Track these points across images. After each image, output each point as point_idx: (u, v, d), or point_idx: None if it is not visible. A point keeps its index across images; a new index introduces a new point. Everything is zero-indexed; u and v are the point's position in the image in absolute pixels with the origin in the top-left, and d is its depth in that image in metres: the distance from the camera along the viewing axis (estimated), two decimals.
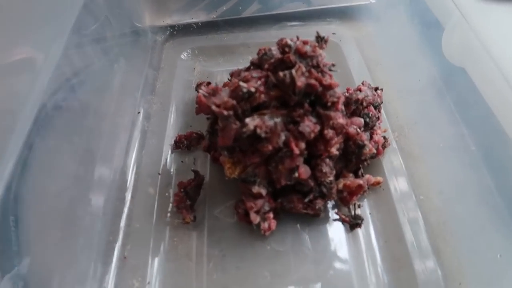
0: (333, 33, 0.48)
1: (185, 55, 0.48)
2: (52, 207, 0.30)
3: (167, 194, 0.35)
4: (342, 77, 0.44)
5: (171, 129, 0.40)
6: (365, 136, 0.32)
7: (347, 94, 0.34)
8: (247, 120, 0.28)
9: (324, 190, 0.31)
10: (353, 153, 0.32)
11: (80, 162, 0.34)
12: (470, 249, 0.29)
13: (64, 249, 0.30)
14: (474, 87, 0.36)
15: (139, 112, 0.41)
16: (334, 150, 0.31)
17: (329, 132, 0.30)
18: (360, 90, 0.34)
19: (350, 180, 0.32)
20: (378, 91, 0.36)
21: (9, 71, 0.24)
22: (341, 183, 0.31)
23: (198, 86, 0.42)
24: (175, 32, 0.50)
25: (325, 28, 0.49)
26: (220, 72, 0.46)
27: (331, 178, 0.31)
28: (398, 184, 0.34)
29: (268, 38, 0.48)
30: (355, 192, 0.31)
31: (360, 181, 0.31)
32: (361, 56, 0.45)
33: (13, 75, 0.25)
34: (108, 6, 0.38)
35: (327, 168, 0.31)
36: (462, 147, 0.35)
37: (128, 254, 0.32)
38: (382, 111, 0.37)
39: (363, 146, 0.31)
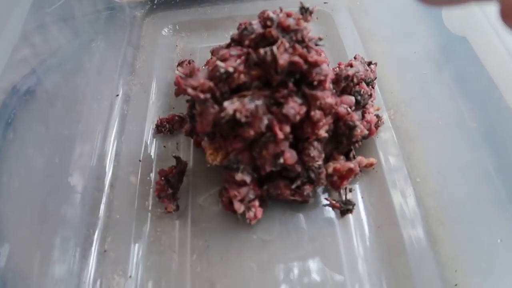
0: (324, 2, 0.45)
1: (166, 31, 0.45)
2: (28, 198, 0.29)
3: (148, 182, 0.34)
4: (334, 50, 0.41)
5: (152, 112, 0.38)
6: (356, 116, 0.29)
7: (337, 70, 0.31)
8: (226, 103, 0.25)
9: (313, 175, 0.29)
10: (343, 134, 0.29)
11: (55, 150, 0.32)
12: (468, 234, 0.28)
13: (41, 243, 0.28)
14: (476, 57, 0.34)
15: (117, 95, 0.39)
16: (323, 132, 0.28)
17: (317, 114, 0.27)
18: (351, 65, 0.31)
19: (340, 163, 0.29)
20: (372, 66, 0.33)
21: None
22: (331, 167, 0.29)
23: (179, 65, 0.39)
24: (155, 6, 0.46)
25: None
26: (204, 49, 0.43)
27: (320, 162, 0.29)
28: (392, 166, 0.32)
29: (254, 10, 0.44)
30: (346, 176, 0.29)
31: (351, 165, 0.29)
32: (354, 27, 0.42)
33: None
34: None
35: (315, 152, 0.29)
36: (463, 124, 0.32)
37: (108, 247, 0.30)
38: (376, 87, 0.35)
39: (354, 127, 0.29)
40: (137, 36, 0.44)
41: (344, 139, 0.30)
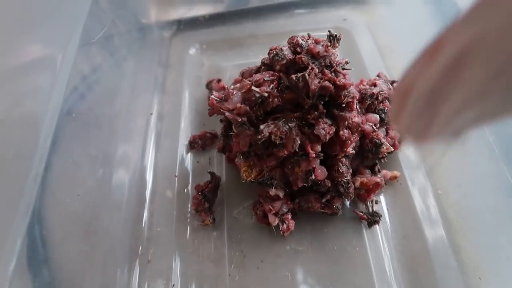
0: (343, 19, 0.47)
1: (193, 50, 0.47)
2: (74, 213, 0.31)
3: (184, 196, 0.36)
4: (355, 67, 0.42)
5: (184, 129, 0.40)
6: (381, 133, 0.31)
7: (361, 87, 0.33)
8: (262, 127, 0.28)
9: (341, 189, 0.31)
10: (369, 151, 0.31)
11: (97, 168, 0.34)
12: (489, 244, 0.29)
13: (89, 256, 0.31)
14: None
15: (151, 113, 0.41)
16: (350, 150, 0.30)
17: (345, 133, 0.29)
18: (375, 84, 0.33)
19: (367, 177, 0.31)
20: (395, 84, 0.35)
21: (25, 94, 0.25)
22: (358, 181, 0.31)
23: (208, 84, 0.41)
24: (181, 27, 0.49)
25: (335, 14, 0.47)
26: (229, 67, 0.45)
27: (348, 177, 0.31)
28: (415, 178, 0.34)
29: (276, 28, 0.47)
30: (373, 189, 0.31)
31: (377, 179, 0.31)
32: (373, 43, 0.44)
33: (28, 98, 0.25)
34: (113, 8, 0.37)
35: (344, 168, 0.31)
36: (482, 138, 0.34)
37: (152, 258, 0.33)
38: None
39: (381, 144, 0.31)
40: (166, 55, 0.46)
41: (370, 155, 0.32)
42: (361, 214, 0.32)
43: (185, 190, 0.36)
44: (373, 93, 0.33)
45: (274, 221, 0.31)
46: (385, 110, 0.33)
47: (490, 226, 0.30)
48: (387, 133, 0.33)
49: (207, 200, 0.34)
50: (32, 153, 0.24)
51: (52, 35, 0.27)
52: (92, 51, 0.35)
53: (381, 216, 0.32)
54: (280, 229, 0.31)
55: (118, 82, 0.40)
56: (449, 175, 0.33)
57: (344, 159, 0.31)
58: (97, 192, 0.33)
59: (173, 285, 0.31)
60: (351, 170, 0.31)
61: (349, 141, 0.30)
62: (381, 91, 0.33)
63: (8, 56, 0.25)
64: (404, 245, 0.31)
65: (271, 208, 0.31)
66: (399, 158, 0.35)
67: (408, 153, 0.35)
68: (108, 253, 0.32)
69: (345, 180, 0.31)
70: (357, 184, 0.32)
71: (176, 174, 0.37)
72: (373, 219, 0.32)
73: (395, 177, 0.34)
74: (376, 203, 0.33)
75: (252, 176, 0.31)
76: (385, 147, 0.31)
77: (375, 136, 0.31)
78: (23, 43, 0.26)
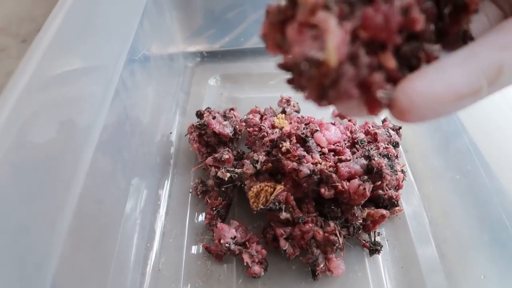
0: None
1: (213, 81, 0.51)
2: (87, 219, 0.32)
3: (197, 211, 0.38)
4: None
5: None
6: (395, 193, 0.35)
7: (365, 128, 0.38)
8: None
9: (351, 230, 0.34)
10: (383, 205, 0.35)
11: (119, 180, 0.36)
12: (479, 273, 0.32)
13: (100, 264, 0.31)
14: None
15: (171, 132, 0.44)
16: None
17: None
18: (376, 138, 0.38)
19: (373, 209, 0.34)
20: (400, 131, 0.40)
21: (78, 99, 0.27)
22: (365, 212, 0.34)
23: (198, 112, 0.43)
24: (205, 58, 0.53)
25: None
26: (246, 99, 0.49)
27: (360, 220, 0.34)
28: (413, 214, 0.37)
29: None
30: (378, 221, 0.34)
31: (383, 211, 0.34)
32: None
33: (81, 103, 0.27)
34: (153, 32, 0.41)
35: (358, 212, 0.33)
36: (475, 179, 0.38)
37: (162, 267, 0.34)
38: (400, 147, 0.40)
39: (397, 205, 0.35)
40: (188, 83, 0.50)
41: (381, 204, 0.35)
42: (364, 242, 0.35)
43: (198, 206, 0.38)
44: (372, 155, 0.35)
45: (284, 245, 0.33)
46: (389, 155, 0.35)
47: (472, 256, 0.33)
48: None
49: (220, 216, 0.36)
50: (77, 158, 0.25)
51: (106, 48, 0.30)
52: (135, 67, 0.38)
53: (382, 246, 0.35)
54: (287, 252, 0.33)
55: (146, 101, 0.42)
56: (446, 211, 0.37)
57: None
58: (117, 202, 0.34)
59: None
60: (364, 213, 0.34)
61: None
62: (383, 148, 0.36)
63: (66, 63, 0.28)
64: (402, 274, 0.33)
65: (283, 232, 0.33)
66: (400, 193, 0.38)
67: (408, 190, 0.38)
68: (122, 259, 0.33)
69: (358, 224, 0.33)
70: (364, 215, 0.34)
71: (190, 191, 0.39)
72: (375, 248, 0.34)
73: (396, 212, 0.37)
74: (379, 234, 0.36)
75: (260, 204, 0.33)
76: (397, 208, 0.34)
77: (395, 196, 0.35)
78: (78, 53, 0.29)
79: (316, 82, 0.16)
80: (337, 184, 0.32)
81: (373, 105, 0.16)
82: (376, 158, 0.33)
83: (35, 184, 0.21)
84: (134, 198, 0.36)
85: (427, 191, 0.39)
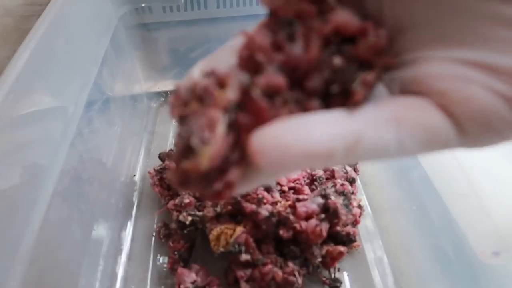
0: None
1: None
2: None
3: (161, 254, 0.38)
4: None
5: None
6: (352, 229, 0.36)
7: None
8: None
9: (311, 268, 0.34)
10: (341, 241, 0.36)
11: (79, 226, 0.35)
12: None
13: None
14: None
15: (134, 175, 0.44)
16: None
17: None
18: (333, 175, 0.39)
19: (331, 247, 0.35)
20: (357, 165, 0.41)
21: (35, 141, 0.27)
22: (324, 249, 0.35)
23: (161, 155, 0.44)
24: (169, 98, 0.54)
25: None
26: None
27: (320, 259, 0.34)
28: (372, 248, 0.38)
29: None
30: (337, 257, 0.35)
31: (341, 248, 0.35)
32: None
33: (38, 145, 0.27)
34: (112, 78, 0.42)
35: (317, 250, 0.34)
36: (432, 210, 0.39)
37: None
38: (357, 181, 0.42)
39: (354, 241, 0.36)
40: (152, 123, 0.51)
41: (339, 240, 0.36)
42: (324, 279, 0.35)
43: (162, 251, 0.38)
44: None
45: (245, 287, 0.33)
46: (345, 192, 0.36)
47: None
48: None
49: (182, 260, 0.36)
50: (33, 205, 0.26)
51: (65, 90, 0.30)
52: (94, 120, 0.39)
53: (341, 282, 0.35)
54: None
55: (108, 143, 0.43)
56: (403, 244, 0.38)
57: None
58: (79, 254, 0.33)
59: None
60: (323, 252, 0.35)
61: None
62: (340, 185, 0.38)
63: (24, 103, 0.27)
64: None
65: (243, 275, 0.33)
66: (358, 228, 0.40)
67: (365, 224, 0.40)
68: None
69: (317, 262, 0.34)
70: (323, 252, 0.35)
71: (154, 234, 0.39)
72: (334, 284, 0.35)
73: (354, 247, 0.38)
74: (339, 270, 0.36)
75: (221, 247, 0.34)
76: (355, 243, 0.36)
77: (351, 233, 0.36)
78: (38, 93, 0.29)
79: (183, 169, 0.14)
80: (295, 225, 0.33)
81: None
82: (332, 197, 0.34)
83: None
84: (96, 243, 0.36)
85: (385, 223, 0.40)
